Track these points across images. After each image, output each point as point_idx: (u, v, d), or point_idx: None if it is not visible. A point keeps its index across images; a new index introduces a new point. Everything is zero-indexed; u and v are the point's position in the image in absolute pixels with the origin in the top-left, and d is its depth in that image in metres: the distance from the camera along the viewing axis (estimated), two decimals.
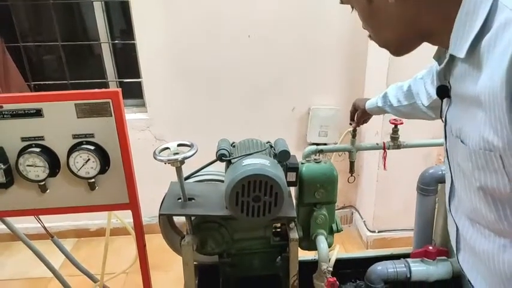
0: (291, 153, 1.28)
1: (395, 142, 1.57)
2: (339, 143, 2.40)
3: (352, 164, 1.60)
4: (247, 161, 1.17)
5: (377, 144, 1.59)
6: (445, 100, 0.72)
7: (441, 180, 1.55)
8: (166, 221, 1.46)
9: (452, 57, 0.65)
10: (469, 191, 0.67)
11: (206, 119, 2.43)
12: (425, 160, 2.26)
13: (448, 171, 0.76)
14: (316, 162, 1.39)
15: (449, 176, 0.76)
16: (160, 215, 1.25)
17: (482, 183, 0.61)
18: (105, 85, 2.48)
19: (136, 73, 2.41)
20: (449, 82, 0.70)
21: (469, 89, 0.61)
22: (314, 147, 1.54)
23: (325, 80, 2.45)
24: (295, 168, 1.30)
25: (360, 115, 1.49)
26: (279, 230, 1.43)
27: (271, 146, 1.35)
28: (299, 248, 1.47)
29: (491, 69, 0.54)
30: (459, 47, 0.61)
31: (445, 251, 1.53)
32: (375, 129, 2.31)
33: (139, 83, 2.43)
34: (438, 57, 0.75)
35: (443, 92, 0.71)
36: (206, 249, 1.34)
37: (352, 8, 0.77)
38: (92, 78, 2.45)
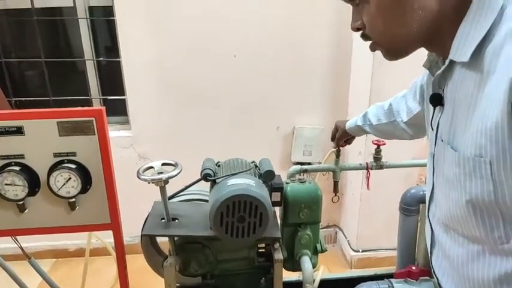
0: (276, 173, 1.28)
1: (378, 162, 1.60)
2: (323, 163, 2.42)
3: (336, 183, 1.61)
4: (232, 181, 1.16)
5: (360, 164, 1.61)
6: (437, 108, 0.74)
7: (423, 200, 1.57)
8: (148, 241, 1.43)
9: (451, 63, 0.67)
10: (449, 199, 0.68)
11: (190, 137, 2.42)
12: (406, 180, 2.30)
13: (431, 178, 0.77)
14: (301, 182, 1.40)
15: (430, 183, 0.77)
16: (142, 235, 1.22)
17: (466, 190, 0.62)
18: (89, 102, 2.46)
19: (121, 90, 2.40)
20: (443, 90, 0.71)
21: (468, 93, 0.62)
22: (298, 167, 1.55)
23: (310, 99, 2.49)
24: (280, 188, 1.30)
25: (339, 135, 1.52)
26: (263, 250, 1.42)
27: (256, 166, 1.35)
28: (283, 269, 1.46)
29: (496, 75, 0.55)
30: (462, 51, 0.62)
31: (428, 271, 1.54)
32: (358, 150, 2.34)
33: (124, 100, 2.41)
34: (429, 67, 0.77)
35: (436, 99, 0.72)
36: (189, 270, 1.31)
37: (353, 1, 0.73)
38: (76, 95, 2.43)
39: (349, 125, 1.47)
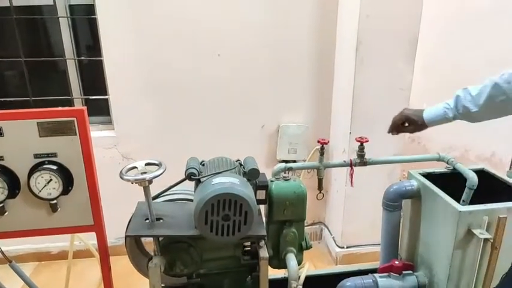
0: (261, 171, 1.28)
1: (361, 159, 1.61)
2: (307, 160, 2.44)
3: (320, 181, 1.62)
4: (217, 179, 1.16)
5: (344, 161, 1.63)
6: None
7: (405, 195, 1.60)
8: (133, 242, 1.41)
9: None
10: None
11: (175, 137, 2.41)
12: (389, 176, 2.33)
13: None
14: (285, 180, 1.41)
15: None
16: (126, 236, 1.21)
17: None
18: (70, 102, 2.41)
19: (104, 90, 2.36)
20: None
21: None
22: (283, 165, 1.55)
23: (294, 97, 2.50)
24: (264, 186, 1.30)
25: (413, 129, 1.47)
26: (248, 248, 1.42)
27: (240, 165, 1.35)
28: (270, 267, 1.47)
29: None
30: None
31: (411, 265, 1.57)
32: (342, 147, 2.36)
33: (107, 100, 2.38)
34: None
35: None
36: (174, 270, 1.30)
37: None
38: (57, 95, 2.38)
39: (432, 117, 1.40)
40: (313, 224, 2.82)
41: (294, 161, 2.53)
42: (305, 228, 2.93)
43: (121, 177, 1.15)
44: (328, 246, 2.73)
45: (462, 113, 1.34)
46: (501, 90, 1.24)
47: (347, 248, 2.55)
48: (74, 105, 2.43)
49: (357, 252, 2.54)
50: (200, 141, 2.41)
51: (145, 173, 1.19)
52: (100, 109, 2.47)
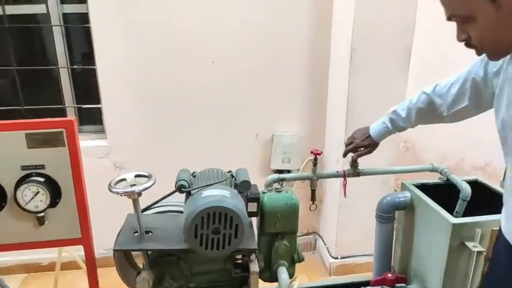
0: (255, 181, 1.27)
1: (354, 170, 1.60)
2: (300, 170, 2.43)
3: (313, 192, 1.61)
4: (207, 192, 1.15)
5: (337, 172, 1.62)
6: None
7: (398, 207, 1.59)
8: (122, 255, 1.39)
9: None
10: None
11: (168, 146, 2.39)
12: (383, 187, 2.32)
13: None
14: (277, 192, 1.39)
15: None
16: (114, 250, 1.19)
17: None
18: (63, 111, 2.40)
19: (97, 99, 2.35)
20: None
21: None
22: (276, 175, 1.54)
23: (289, 106, 2.49)
24: (256, 199, 1.29)
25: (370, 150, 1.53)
26: (240, 261, 1.40)
27: (232, 176, 1.34)
28: (261, 280, 1.44)
29: None
30: None
31: (404, 278, 1.55)
32: (336, 157, 2.35)
33: (100, 109, 2.36)
34: None
35: None
36: (163, 285, 1.28)
37: (455, 19, 0.85)
38: (49, 104, 2.36)
39: (378, 136, 1.49)
40: (307, 234, 2.80)
41: (289, 171, 2.52)
42: (299, 238, 2.92)
43: (110, 190, 1.14)
44: (322, 257, 2.71)
45: (401, 130, 1.46)
46: (431, 102, 1.32)
47: (341, 258, 2.53)
48: (66, 114, 2.41)
49: (351, 262, 2.52)
50: (194, 151, 2.39)
51: (134, 185, 1.18)
52: (93, 118, 2.45)
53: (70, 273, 2.22)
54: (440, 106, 1.29)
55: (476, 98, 1.16)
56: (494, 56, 0.91)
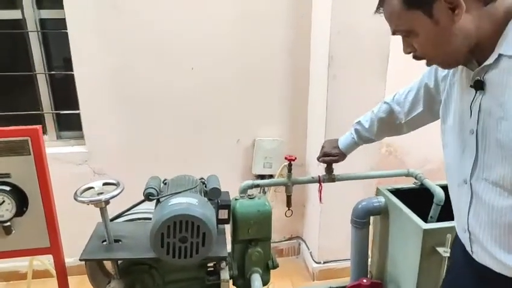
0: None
1: (330, 175, 1.61)
2: (276, 176, 2.42)
3: (289, 197, 1.60)
4: (174, 200, 1.14)
5: (312, 177, 1.62)
6: (478, 92, 0.86)
7: (373, 212, 1.59)
8: (94, 263, 1.37)
9: (499, 57, 0.81)
10: (504, 161, 0.81)
11: (148, 152, 2.37)
12: (365, 191, 2.32)
13: (474, 151, 0.88)
14: (250, 198, 1.39)
15: (473, 155, 0.89)
16: (80, 259, 1.17)
17: None
18: (40, 117, 2.37)
19: (77, 104, 2.32)
20: (482, 78, 0.85)
21: None
22: (250, 182, 1.53)
23: (270, 112, 2.49)
24: (226, 206, 1.28)
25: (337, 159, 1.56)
26: (213, 269, 1.39)
27: (203, 183, 1.33)
28: (235, 287, 1.44)
29: None
30: None
31: (379, 284, 1.55)
32: (317, 162, 2.35)
33: (79, 115, 2.34)
34: (464, 63, 0.90)
35: (478, 85, 0.86)
36: None
37: (399, 33, 0.88)
38: (28, 110, 2.33)
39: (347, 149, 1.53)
40: (290, 238, 2.79)
41: (270, 176, 2.51)
42: (283, 243, 2.91)
43: (75, 199, 1.12)
44: (305, 262, 2.70)
45: (366, 141, 1.49)
46: (391, 111, 1.35)
47: (324, 263, 2.52)
48: (44, 121, 2.38)
49: (334, 267, 2.52)
50: (175, 156, 2.37)
51: (102, 193, 1.16)
52: (72, 124, 2.42)
53: (48, 281, 2.18)
54: (399, 114, 1.32)
55: (430, 103, 1.19)
56: (444, 66, 0.95)
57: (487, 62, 0.83)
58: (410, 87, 1.26)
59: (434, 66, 1.09)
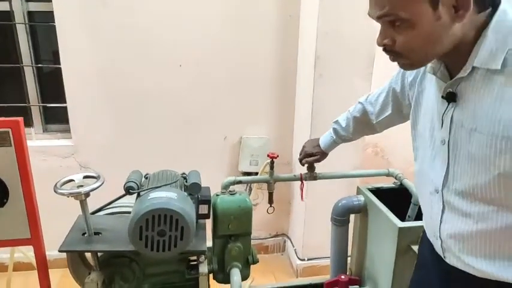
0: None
1: (311, 174, 1.63)
2: (259, 174, 2.44)
3: (270, 194, 1.63)
4: (154, 194, 1.15)
5: (294, 175, 1.64)
6: (450, 104, 0.86)
7: (353, 210, 1.62)
8: (75, 255, 1.38)
9: (472, 69, 0.80)
10: (475, 172, 0.81)
11: (135, 147, 2.37)
12: (348, 189, 2.35)
13: (445, 160, 0.88)
14: (231, 194, 1.41)
15: (444, 165, 0.89)
16: (59, 251, 1.18)
17: (496, 164, 0.77)
18: (27, 110, 2.36)
19: (63, 98, 2.32)
20: (455, 90, 0.84)
21: (494, 90, 0.76)
22: (232, 178, 1.55)
23: (257, 110, 2.51)
24: (207, 201, 1.30)
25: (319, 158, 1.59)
26: (195, 262, 1.41)
27: (184, 178, 1.34)
28: (216, 281, 1.46)
29: None
30: (492, 61, 0.76)
31: (357, 280, 1.59)
32: None
33: (66, 108, 2.34)
34: (433, 72, 0.89)
35: (451, 97, 0.85)
36: (114, 287, 1.28)
37: (388, 19, 0.79)
38: (14, 102, 2.33)
39: (327, 147, 1.56)
40: (276, 235, 2.82)
41: (257, 173, 2.53)
42: (268, 239, 2.92)
43: (55, 191, 1.13)
44: (290, 258, 2.73)
45: (345, 140, 1.52)
46: (365, 111, 1.38)
47: (308, 260, 2.56)
48: (31, 113, 2.37)
49: (318, 264, 2.55)
50: (161, 152, 2.38)
51: (81, 186, 1.17)
52: (59, 117, 2.42)
53: (31, 274, 2.18)
54: (371, 114, 1.34)
55: (398, 107, 1.20)
56: (413, 66, 0.88)
57: (461, 75, 0.81)
58: (382, 89, 1.27)
59: (401, 70, 1.10)
